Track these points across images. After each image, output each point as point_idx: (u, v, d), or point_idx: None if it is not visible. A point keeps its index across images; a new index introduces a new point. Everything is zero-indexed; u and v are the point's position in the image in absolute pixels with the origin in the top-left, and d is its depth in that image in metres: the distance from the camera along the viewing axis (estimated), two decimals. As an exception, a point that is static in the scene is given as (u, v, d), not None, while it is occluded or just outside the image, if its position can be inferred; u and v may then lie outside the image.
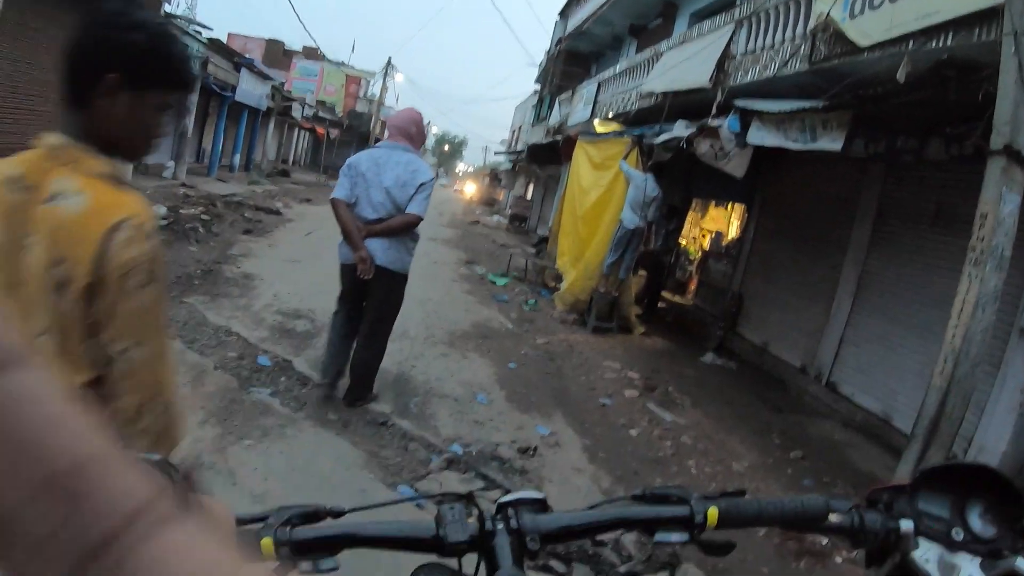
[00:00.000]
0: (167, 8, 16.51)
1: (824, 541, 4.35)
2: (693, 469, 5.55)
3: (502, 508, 0.95)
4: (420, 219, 4.95)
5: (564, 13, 26.13)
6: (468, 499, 1.01)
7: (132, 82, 1.49)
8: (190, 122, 20.62)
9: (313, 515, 0.95)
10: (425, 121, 5.62)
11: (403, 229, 4.93)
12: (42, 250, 1.43)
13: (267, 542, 0.86)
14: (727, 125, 7.31)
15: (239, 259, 10.41)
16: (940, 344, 4.15)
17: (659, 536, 0.98)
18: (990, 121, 4.10)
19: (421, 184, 4.85)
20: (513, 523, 0.92)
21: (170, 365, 1.66)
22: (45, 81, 12.55)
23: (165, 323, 1.64)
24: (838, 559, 4.26)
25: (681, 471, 5.48)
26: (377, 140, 46.49)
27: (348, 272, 5.11)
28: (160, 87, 1.58)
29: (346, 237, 4.94)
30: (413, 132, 5.11)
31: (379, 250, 4.90)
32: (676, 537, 0.97)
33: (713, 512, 0.97)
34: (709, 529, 0.96)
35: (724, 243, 13.44)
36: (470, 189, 64.63)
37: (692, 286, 14.39)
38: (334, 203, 4.97)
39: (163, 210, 12.31)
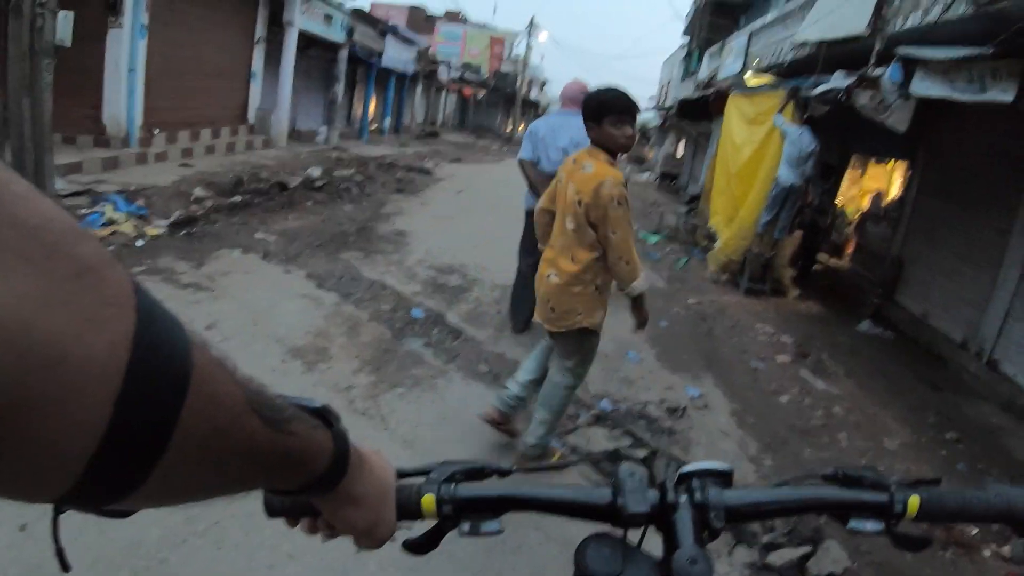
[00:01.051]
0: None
1: (974, 531, 4.11)
2: (844, 442, 5.36)
3: (684, 479, 0.89)
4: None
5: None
6: (647, 463, 0.98)
7: (606, 117, 3.44)
8: (340, 89, 21.42)
9: (478, 472, 0.92)
10: (572, 79, 6.08)
11: None
12: (573, 189, 3.47)
13: (428, 499, 0.85)
14: (888, 75, 6.91)
15: (392, 217, 10.84)
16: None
17: (853, 524, 0.93)
18: None
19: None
20: (698, 496, 0.87)
21: (631, 242, 3.46)
22: (193, 57, 13.38)
23: (630, 223, 3.44)
24: (986, 552, 4.01)
25: (831, 443, 5.31)
26: (524, 100, 46.93)
27: (531, 218, 5.25)
28: (616, 114, 3.44)
29: (531, 188, 5.65)
30: (582, 100, 5.30)
31: None
32: (871, 526, 0.93)
33: (914, 502, 0.91)
34: (907, 520, 0.92)
35: (884, 204, 12.77)
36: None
37: (849, 249, 13.75)
38: (521, 163, 5.76)
39: (318, 172, 12.91)
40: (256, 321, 5.51)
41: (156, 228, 7.79)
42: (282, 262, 7.34)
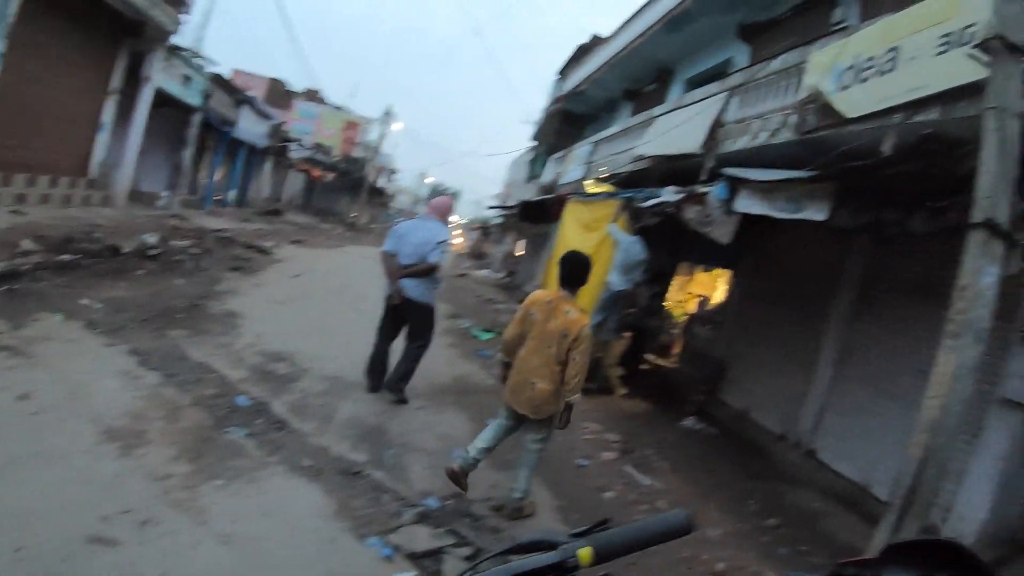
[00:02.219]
0: (173, 40, 16.56)
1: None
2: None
3: None
4: (437, 265, 6.97)
5: (563, 72, 26.60)
6: (472, 562, 1.00)
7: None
8: (188, 155, 20.72)
9: None
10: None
11: (425, 272, 6.93)
12: (558, 324, 4.91)
13: None
14: (715, 192, 7.40)
15: (225, 296, 10.36)
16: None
17: None
18: (972, 195, 4.19)
19: (439, 241, 6.95)
20: None
21: (587, 364, 5.00)
22: (45, 97, 12.56)
23: (590, 351, 4.93)
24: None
25: (654, 537, 5.40)
26: (372, 187, 47.04)
27: (389, 300, 7.09)
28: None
29: (388, 276, 7.02)
30: (444, 212, 7.47)
31: (411, 287, 6.89)
32: None
33: (585, 552, 0.97)
34: (584, 569, 0.97)
35: (709, 307, 13.50)
36: (458, 241, 64.83)
37: (676, 350, 14.39)
38: (382, 254, 7.09)
39: (154, 239, 12.29)
40: (73, 395, 5.07)
41: None
42: (106, 333, 6.81)
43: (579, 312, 5.01)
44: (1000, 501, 5.72)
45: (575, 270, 5.21)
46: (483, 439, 5.27)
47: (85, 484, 3.85)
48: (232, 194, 27.88)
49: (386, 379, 7.17)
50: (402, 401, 7.09)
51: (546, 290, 5.58)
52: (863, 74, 6.02)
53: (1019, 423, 5.82)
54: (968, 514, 5.84)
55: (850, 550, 5.85)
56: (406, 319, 7.08)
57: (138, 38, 15.01)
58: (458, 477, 5.13)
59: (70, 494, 3.70)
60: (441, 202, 7.58)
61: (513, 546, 1.01)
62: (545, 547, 0.99)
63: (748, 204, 7.00)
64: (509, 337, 5.24)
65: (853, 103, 6.06)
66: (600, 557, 0.98)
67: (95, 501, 3.69)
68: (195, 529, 3.75)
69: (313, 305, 11.76)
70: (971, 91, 4.68)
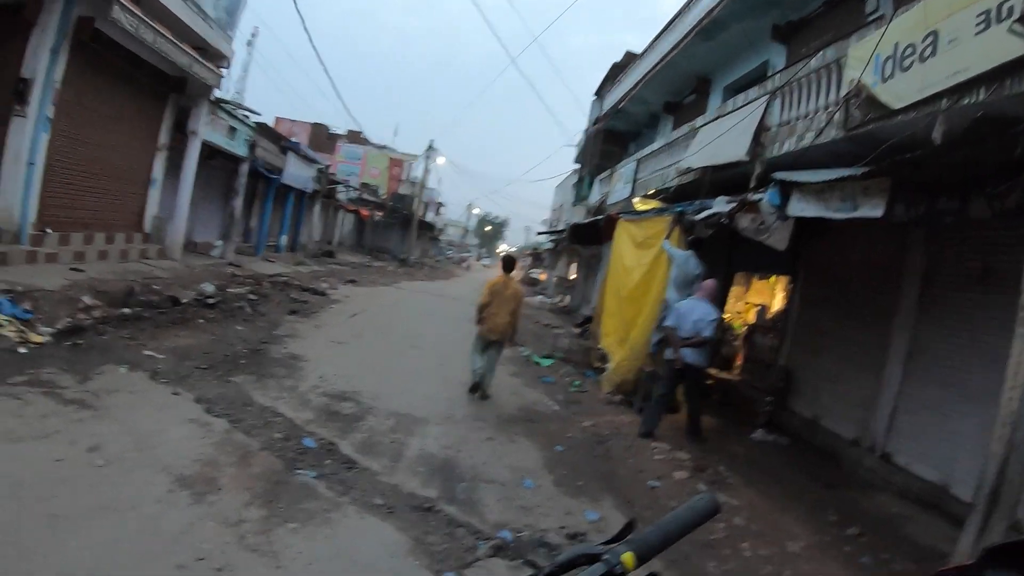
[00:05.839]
0: (217, 94, 16.99)
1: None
2: (747, 551, 5.33)
3: None
4: (711, 339, 8.61)
5: (600, 93, 26.62)
6: None
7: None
8: (239, 203, 21.17)
9: None
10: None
11: (701, 344, 8.40)
12: (511, 294, 9.50)
13: None
14: (767, 198, 7.26)
15: (285, 339, 10.57)
16: (997, 407, 4.02)
17: None
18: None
19: (711, 320, 8.42)
20: None
21: (520, 312, 9.76)
22: (95, 157, 12.95)
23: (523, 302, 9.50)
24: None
25: (735, 554, 5.27)
26: (421, 222, 47.50)
27: (672, 364, 8.66)
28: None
29: (672, 346, 8.66)
30: (712, 294, 8.82)
31: (689, 355, 8.36)
32: None
33: (628, 557, 0.98)
34: (632, 572, 0.98)
35: (769, 316, 13.25)
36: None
37: (738, 361, 14.13)
38: (667, 328, 8.97)
39: (212, 288, 12.58)
40: (142, 445, 5.18)
41: (41, 335, 7.40)
42: (171, 383, 6.98)
43: (517, 284, 9.97)
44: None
45: (508, 263, 10.12)
46: (476, 364, 9.35)
47: (157, 534, 3.89)
48: (284, 239, 28.40)
49: (688, 429, 8.65)
50: (700, 439, 8.52)
51: (500, 276, 9.71)
52: (904, 62, 5.89)
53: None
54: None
55: (934, 554, 5.67)
56: (684, 378, 8.53)
57: (182, 94, 15.50)
58: (475, 388, 9.34)
59: (144, 544, 3.75)
60: (709, 285, 8.94)
61: (554, 568, 0.99)
62: (583, 561, 0.99)
63: (802, 207, 6.86)
64: (483, 302, 9.40)
65: (897, 93, 5.93)
66: (642, 558, 1.00)
67: (169, 550, 3.74)
68: (271, 573, 3.78)
69: (372, 343, 11.92)
70: (1018, 67, 4.55)
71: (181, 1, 12.90)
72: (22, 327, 7.36)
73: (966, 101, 5.11)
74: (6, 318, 7.35)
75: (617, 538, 1.05)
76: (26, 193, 10.72)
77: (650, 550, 1.03)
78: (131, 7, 10.90)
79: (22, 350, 6.84)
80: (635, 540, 1.03)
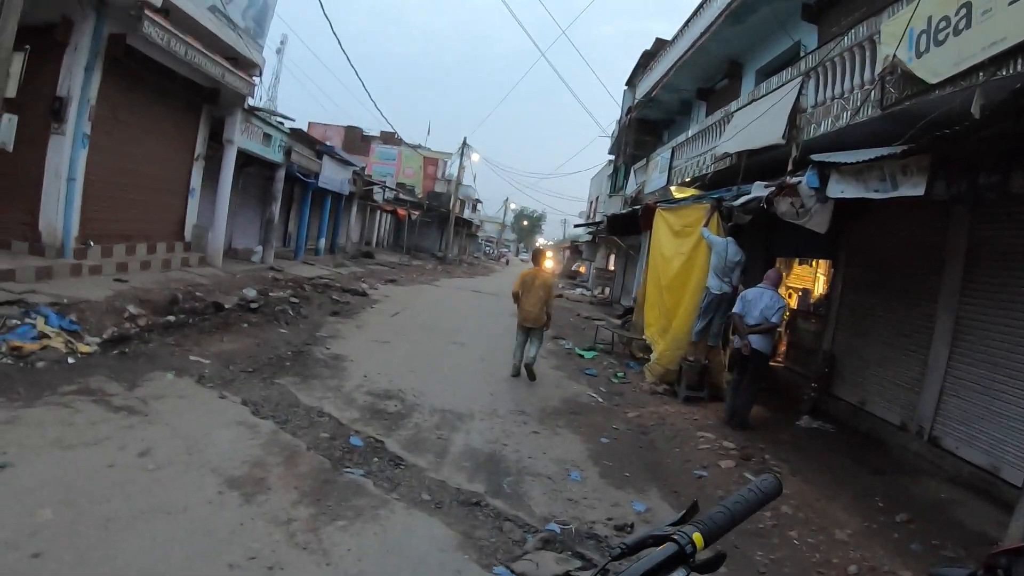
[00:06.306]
0: (250, 102, 17.18)
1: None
2: (795, 539, 5.28)
3: None
4: (777, 325, 9.00)
5: (631, 82, 26.49)
6: None
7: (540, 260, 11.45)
8: (276, 209, 21.41)
9: None
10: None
11: (768, 331, 8.70)
12: (541, 282, 10.18)
13: None
14: (806, 181, 7.15)
15: (328, 340, 10.70)
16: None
17: None
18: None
19: (778, 307, 8.68)
20: None
21: (553, 297, 10.47)
22: (133, 170, 13.18)
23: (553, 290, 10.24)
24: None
25: (783, 542, 5.22)
26: (458, 219, 47.68)
27: (739, 351, 8.83)
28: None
29: (738, 333, 8.81)
30: (776, 282, 8.98)
31: (755, 341, 8.56)
32: None
33: (697, 537, 1.00)
34: (700, 552, 1.00)
35: (811, 301, 13.10)
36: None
37: (782, 347, 13.97)
38: (732, 315, 9.08)
39: (254, 293, 12.76)
40: (191, 449, 5.27)
41: (88, 345, 7.54)
42: (217, 387, 7.11)
43: (547, 274, 10.63)
44: None
45: (537, 256, 11.42)
46: (519, 354, 10.22)
47: (209, 534, 3.97)
48: (322, 242, 28.69)
49: (735, 415, 8.71)
50: (745, 427, 8.65)
51: (531, 268, 10.61)
52: (939, 36, 5.78)
53: None
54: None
55: (984, 539, 5.56)
56: (748, 364, 8.68)
57: (215, 104, 15.68)
58: (519, 370, 10.21)
59: (196, 545, 3.82)
60: (774, 274, 9.08)
61: (625, 549, 1.01)
62: (652, 542, 1.01)
63: (841, 189, 6.74)
64: (516, 291, 10.28)
65: (933, 68, 5.83)
66: (709, 538, 1.02)
67: (221, 550, 3.81)
68: (322, 571, 3.82)
69: (414, 341, 11.99)
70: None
71: (210, 13, 13.04)
72: (70, 338, 7.51)
73: (1004, 72, 5.01)
74: (54, 330, 7.51)
75: (682, 520, 1.07)
76: (68, 208, 10.97)
77: (718, 530, 1.05)
78: (161, 21, 11.04)
79: (71, 360, 7.00)
80: (702, 520, 1.05)
